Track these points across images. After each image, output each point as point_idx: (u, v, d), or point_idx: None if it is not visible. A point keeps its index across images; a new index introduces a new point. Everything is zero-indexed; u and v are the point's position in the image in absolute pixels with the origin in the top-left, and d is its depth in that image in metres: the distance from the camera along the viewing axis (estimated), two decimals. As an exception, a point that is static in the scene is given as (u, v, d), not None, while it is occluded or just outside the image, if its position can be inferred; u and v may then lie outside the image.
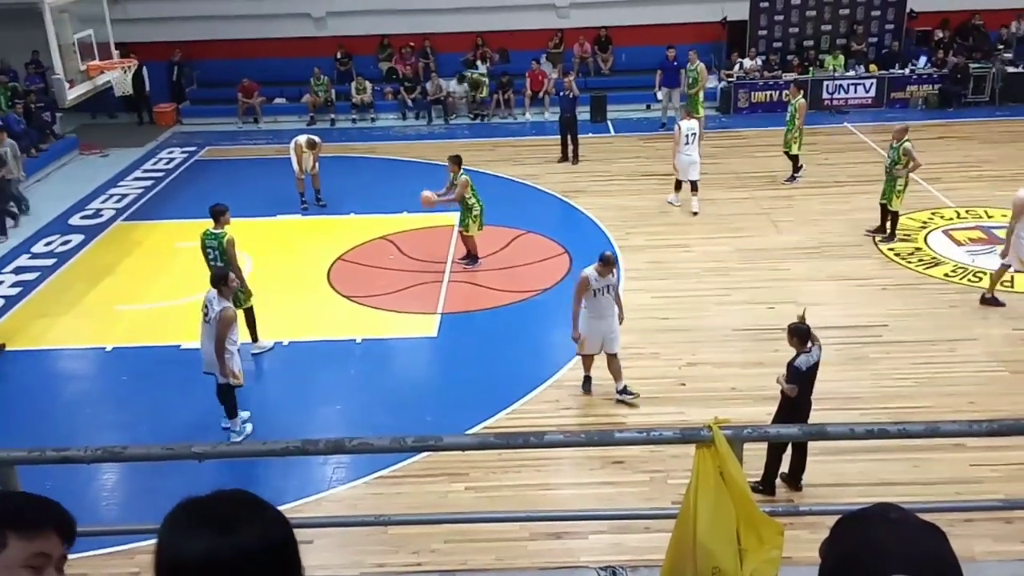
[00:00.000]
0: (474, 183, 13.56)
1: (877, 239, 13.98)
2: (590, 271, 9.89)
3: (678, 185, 15.74)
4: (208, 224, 11.04)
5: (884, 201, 13.95)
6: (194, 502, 1.67)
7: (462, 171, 13.53)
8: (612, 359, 10.00)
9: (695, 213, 15.31)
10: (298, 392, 10.68)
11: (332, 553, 7.67)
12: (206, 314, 9.38)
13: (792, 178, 16.59)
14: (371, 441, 3.67)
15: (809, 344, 7.97)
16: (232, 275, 9.72)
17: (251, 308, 11.22)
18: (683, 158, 15.32)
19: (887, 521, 1.63)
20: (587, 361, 10.22)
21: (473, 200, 13.36)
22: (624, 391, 9.99)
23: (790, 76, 21.24)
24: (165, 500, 1.71)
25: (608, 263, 9.85)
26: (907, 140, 13.58)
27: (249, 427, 9.78)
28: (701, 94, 19.57)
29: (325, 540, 7.72)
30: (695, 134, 15.46)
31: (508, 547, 7.57)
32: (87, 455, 3.56)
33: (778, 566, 3.35)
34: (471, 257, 13.75)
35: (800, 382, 7.91)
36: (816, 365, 7.99)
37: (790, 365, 7.95)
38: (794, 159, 16.57)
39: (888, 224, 14.00)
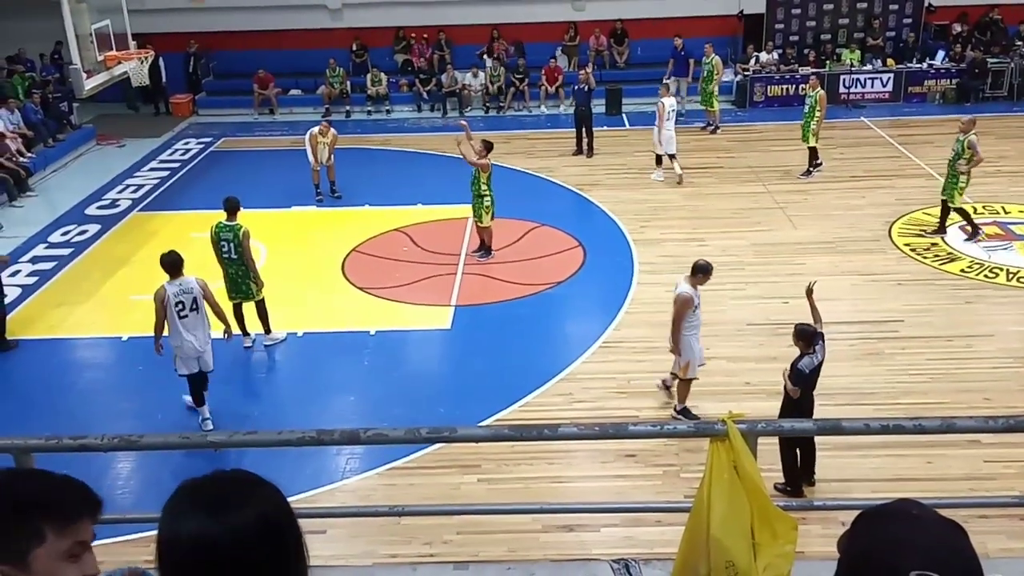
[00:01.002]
0: (492, 175, 13.54)
1: (938, 236, 13.74)
2: (688, 288, 9.01)
3: (659, 160, 16.81)
4: (221, 216, 11.08)
5: (945, 197, 13.68)
6: (192, 483, 1.67)
7: (489, 159, 13.47)
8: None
9: (680, 180, 16.46)
10: (312, 383, 10.72)
11: (345, 543, 7.70)
12: (184, 304, 9.16)
13: (807, 172, 16.51)
14: (386, 432, 3.69)
15: (814, 346, 7.92)
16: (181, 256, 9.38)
17: (263, 300, 11.26)
18: (667, 133, 16.48)
19: (908, 517, 1.63)
20: (688, 387, 9.40)
21: (487, 190, 13.34)
22: (685, 412, 9.43)
23: (807, 70, 21.13)
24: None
25: (707, 272, 9.08)
26: (973, 133, 13.38)
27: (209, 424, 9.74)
28: (716, 87, 19.57)
29: (338, 530, 7.76)
30: (675, 111, 16.84)
31: (520, 539, 7.59)
32: (104, 443, 3.59)
33: (792, 560, 3.35)
34: (484, 249, 13.75)
35: (803, 384, 7.88)
36: (820, 366, 7.95)
37: (794, 367, 7.91)
38: (812, 152, 16.48)
39: (943, 219, 13.80)
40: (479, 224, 13.65)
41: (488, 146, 13.42)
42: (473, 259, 13.70)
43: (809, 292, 8.38)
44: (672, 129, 16.45)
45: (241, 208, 11.15)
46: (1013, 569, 3.91)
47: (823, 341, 8.04)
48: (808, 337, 7.93)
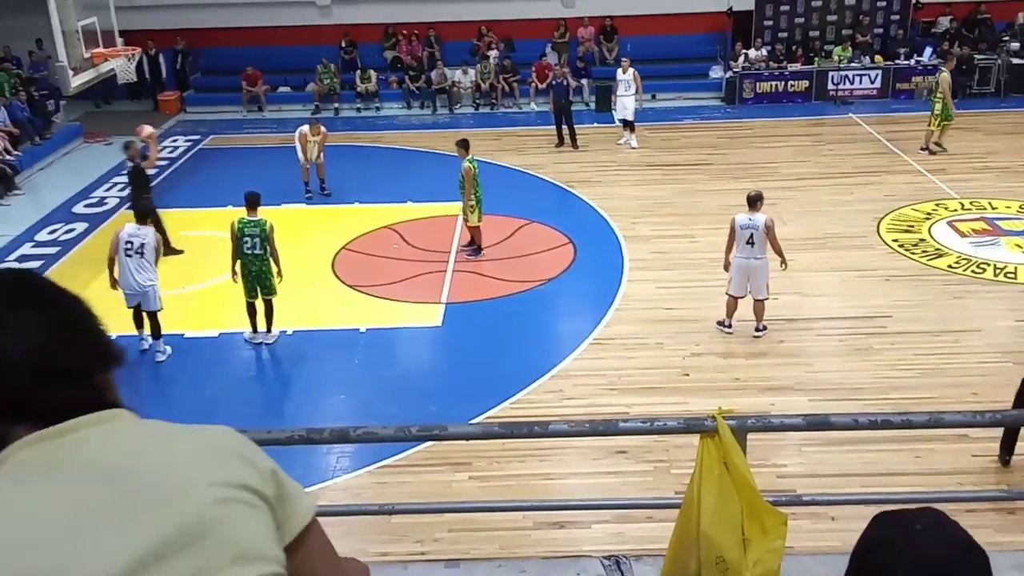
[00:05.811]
0: (479, 172, 13.52)
1: None
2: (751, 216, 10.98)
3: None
4: (235, 213, 11.16)
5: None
6: None
7: (470, 156, 13.46)
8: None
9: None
10: (302, 381, 10.71)
11: (335, 542, 7.55)
12: (131, 245, 10.52)
13: None
14: (376, 430, 3.68)
15: None
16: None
17: (271, 299, 11.25)
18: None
19: (919, 531, 1.62)
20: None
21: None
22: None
23: (795, 67, 21.15)
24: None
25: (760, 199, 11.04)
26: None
27: (168, 348, 11.08)
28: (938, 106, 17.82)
29: (329, 529, 7.56)
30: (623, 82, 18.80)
31: (512, 536, 7.59)
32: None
33: (781, 555, 3.37)
34: (476, 247, 13.74)
35: None
36: None
37: None
38: None
39: None
40: (466, 223, 13.68)
41: (464, 145, 13.43)
42: (463, 256, 13.70)
43: None
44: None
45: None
46: (1001, 563, 3.93)
47: None
48: None
